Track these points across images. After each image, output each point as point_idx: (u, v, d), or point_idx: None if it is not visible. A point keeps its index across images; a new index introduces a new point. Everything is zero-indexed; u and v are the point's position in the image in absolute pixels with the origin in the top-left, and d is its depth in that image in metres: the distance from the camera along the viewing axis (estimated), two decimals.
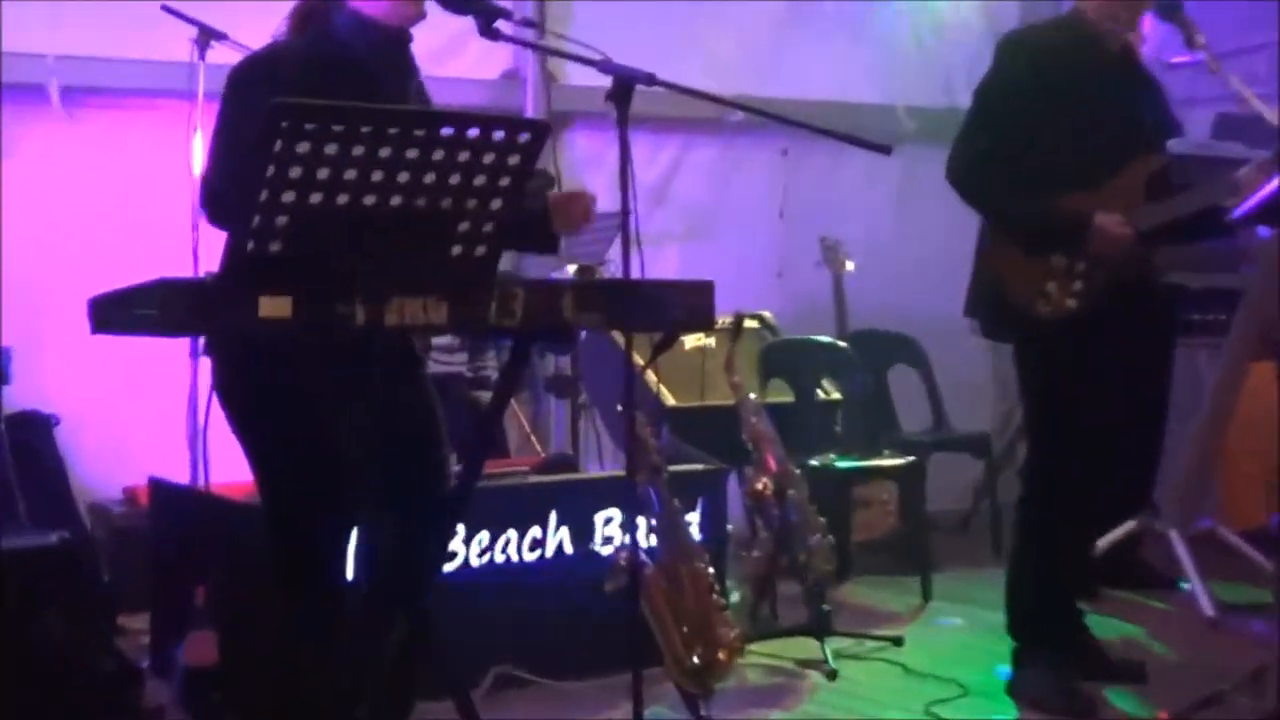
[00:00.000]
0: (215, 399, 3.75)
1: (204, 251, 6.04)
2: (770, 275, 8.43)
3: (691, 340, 6.42)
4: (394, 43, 3.89)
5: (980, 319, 5.14)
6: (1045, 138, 4.84)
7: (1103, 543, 6.01)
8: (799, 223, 8.42)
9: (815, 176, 8.63)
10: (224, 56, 5.95)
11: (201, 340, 3.67)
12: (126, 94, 7.06)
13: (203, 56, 6.17)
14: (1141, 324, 4.88)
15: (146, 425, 6.72)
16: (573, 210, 3.99)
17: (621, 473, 5.86)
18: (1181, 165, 4.84)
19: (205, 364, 3.81)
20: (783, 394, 7.11)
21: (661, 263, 7.74)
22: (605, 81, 3.66)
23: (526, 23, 3.98)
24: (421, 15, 3.88)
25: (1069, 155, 4.84)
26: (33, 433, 6.20)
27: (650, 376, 6.63)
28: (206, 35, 6.17)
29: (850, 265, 7.76)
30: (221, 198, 3.64)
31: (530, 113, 7.79)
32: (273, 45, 3.90)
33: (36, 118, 6.88)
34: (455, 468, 4.12)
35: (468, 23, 3.78)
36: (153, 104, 6.97)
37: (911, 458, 7.05)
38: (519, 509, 5.45)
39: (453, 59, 7.07)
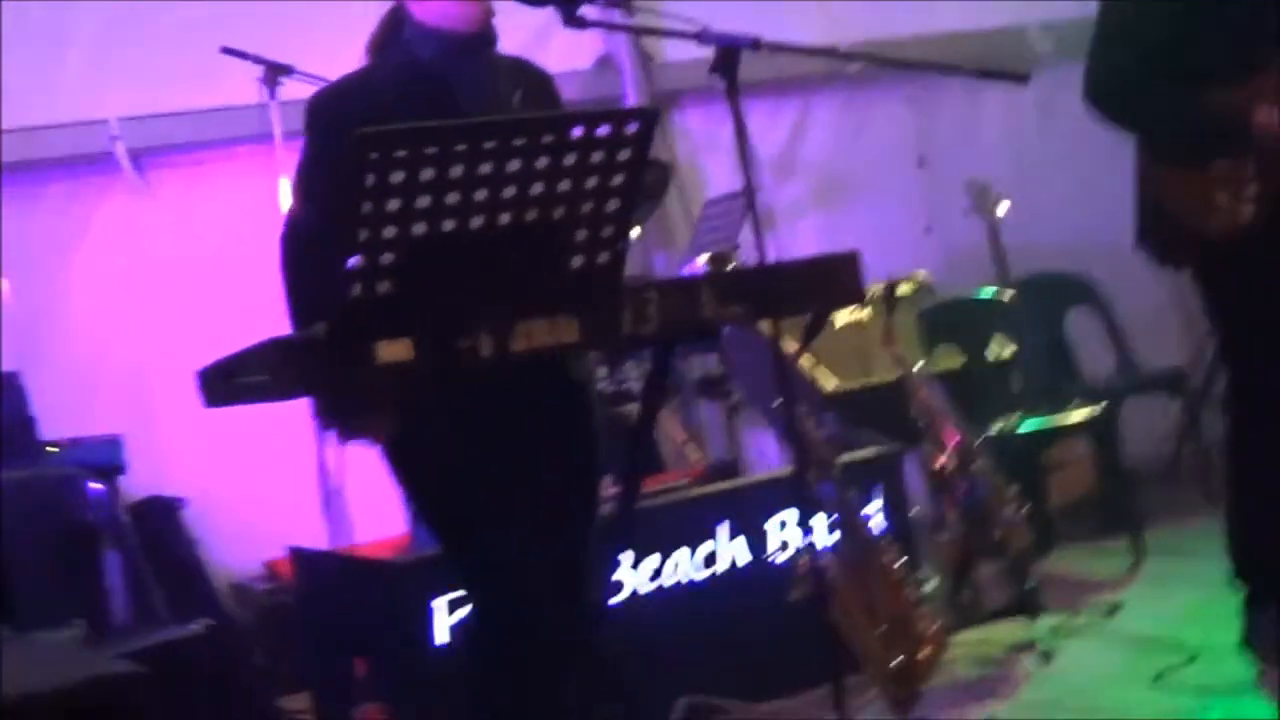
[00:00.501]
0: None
1: None
2: (917, 231, 8.40)
3: (843, 316, 6.41)
4: (470, 48, 3.91)
5: (1151, 247, 5.06)
6: (1181, 34, 4.75)
7: None
8: (941, 170, 8.37)
9: (951, 117, 8.59)
10: (295, 91, 6.03)
11: None
12: (199, 147, 7.16)
13: (273, 95, 6.22)
14: None
15: (277, 494, 6.77)
16: None
17: (789, 471, 5.87)
18: None
19: None
20: (950, 359, 7.08)
21: (799, 237, 7.78)
22: (707, 53, 3.65)
23: (612, 3, 3.97)
24: (490, 13, 3.90)
25: (1209, 51, 4.76)
26: (160, 519, 6.28)
27: (804, 363, 6.62)
28: (273, 71, 6.22)
29: (1004, 207, 7.69)
30: (304, 239, 3.73)
31: (631, 99, 7.81)
32: (341, 78, 3.96)
33: (108, 188, 7.00)
34: (612, 489, 4.14)
35: (552, 14, 3.79)
36: (229, 154, 7.07)
37: (1101, 407, 6.98)
38: (686, 525, 5.47)
39: (541, 54, 7.02)
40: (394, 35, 3.95)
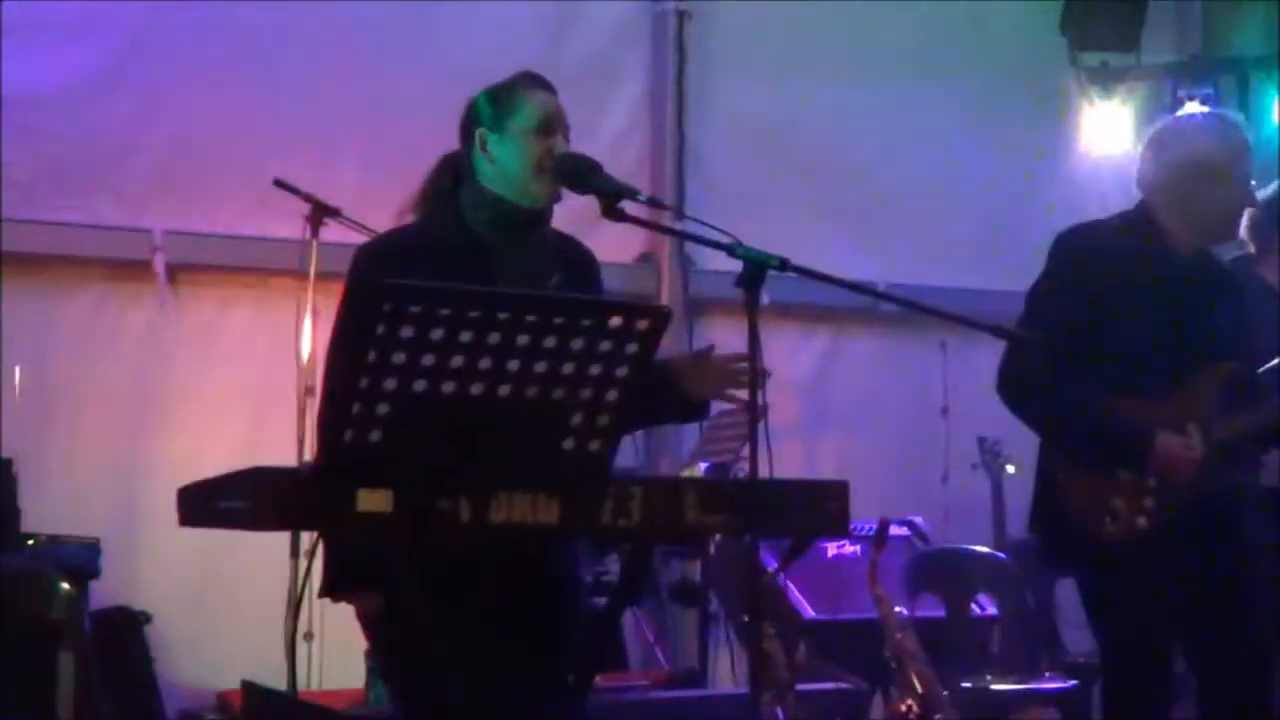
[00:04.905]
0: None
1: (311, 439, 6.16)
2: (934, 479, 8.37)
3: (835, 548, 6.41)
4: (525, 223, 3.95)
5: (1040, 538, 5.06)
6: (1101, 342, 4.75)
7: None
8: (961, 422, 8.37)
9: (978, 370, 8.60)
10: (337, 234, 6.10)
11: None
12: (234, 271, 7.25)
13: (315, 234, 6.27)
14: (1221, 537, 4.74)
15: (246, 623, 6.74)
16: (704, 373, 3.97)
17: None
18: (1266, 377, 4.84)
19: (305, 562, 3.82)
20: (934, 608, 7.05)
21: (817, 463, 7.78)
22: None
23: (655, 203, 4.01)
24: (555, 198, 3.94)
25: (1128, 361, 4.75)
26: (122, 631, 6.26)
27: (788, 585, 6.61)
28: (320, 211, 6.28)
29: (1011, 469, 7.70)
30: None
31: (664, 298, 7.86)
32: (391, 232, 3.99)
33: (139, 296, 7.07)
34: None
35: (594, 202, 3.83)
36: (262, 283, 7.14)
37: (1075, 682, 6.95)
38: None
39: (587, 241, 7.05)
40: (448, 190, 3.98)
